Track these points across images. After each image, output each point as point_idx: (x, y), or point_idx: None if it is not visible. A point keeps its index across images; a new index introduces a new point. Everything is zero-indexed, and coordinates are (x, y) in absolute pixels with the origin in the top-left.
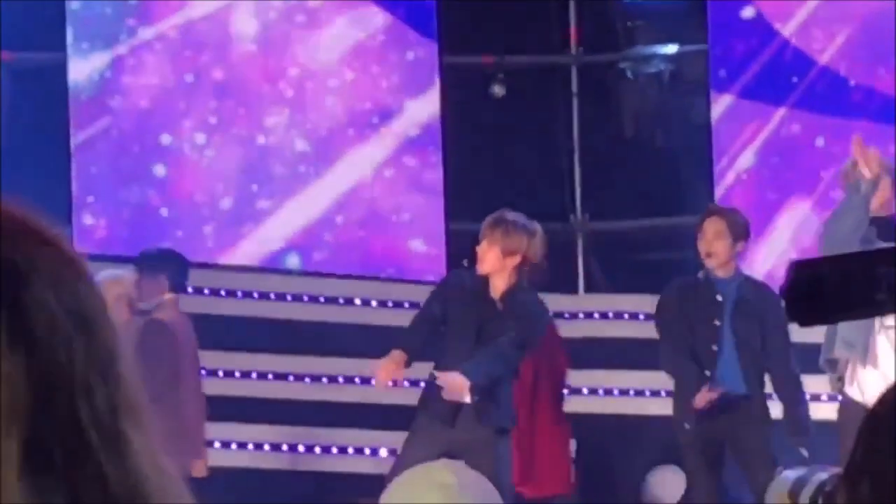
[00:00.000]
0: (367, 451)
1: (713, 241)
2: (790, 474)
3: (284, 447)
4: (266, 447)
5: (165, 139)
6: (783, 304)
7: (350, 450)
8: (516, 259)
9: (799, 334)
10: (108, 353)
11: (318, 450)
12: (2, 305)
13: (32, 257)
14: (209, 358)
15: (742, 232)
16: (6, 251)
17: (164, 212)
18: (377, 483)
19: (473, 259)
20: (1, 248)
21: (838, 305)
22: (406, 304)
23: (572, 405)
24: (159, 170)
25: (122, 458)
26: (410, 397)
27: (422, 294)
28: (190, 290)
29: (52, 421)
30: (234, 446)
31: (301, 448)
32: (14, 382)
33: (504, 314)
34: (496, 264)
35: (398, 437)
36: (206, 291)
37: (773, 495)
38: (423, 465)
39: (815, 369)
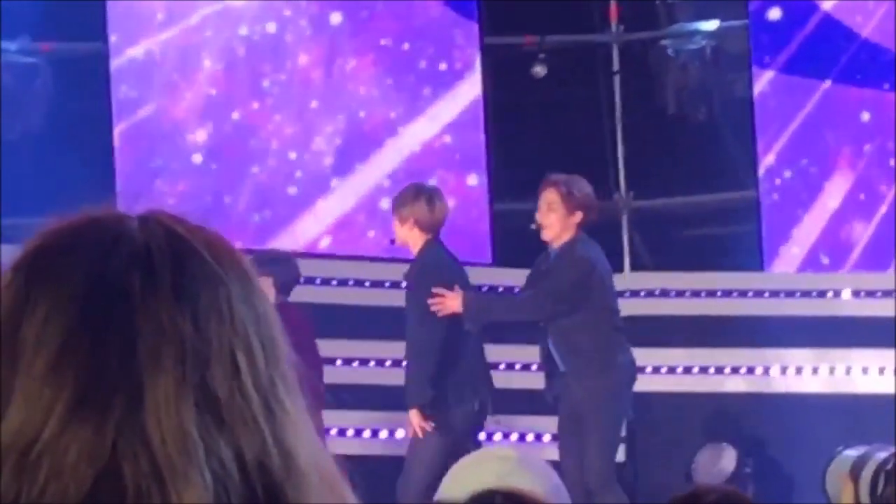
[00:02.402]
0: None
1: (546, 213)
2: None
3: (350, 432)
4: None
5: (206, 128)
6: None
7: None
8: None
9: (867, 309)
10: (266, 321)
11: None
12: (167, 262)
13: (192, 233)
14: None
15: (578, 203)
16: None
17: (207, 199)
18: None
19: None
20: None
21: None
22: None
23: None
24: (199, 159)
25: (280, 425)
26: None
27: (469, 275)
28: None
29: (216, 369)
30: None
31: (367, 433)
32: (184, 334)
33: None
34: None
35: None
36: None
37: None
38: None
39: (884, 343)
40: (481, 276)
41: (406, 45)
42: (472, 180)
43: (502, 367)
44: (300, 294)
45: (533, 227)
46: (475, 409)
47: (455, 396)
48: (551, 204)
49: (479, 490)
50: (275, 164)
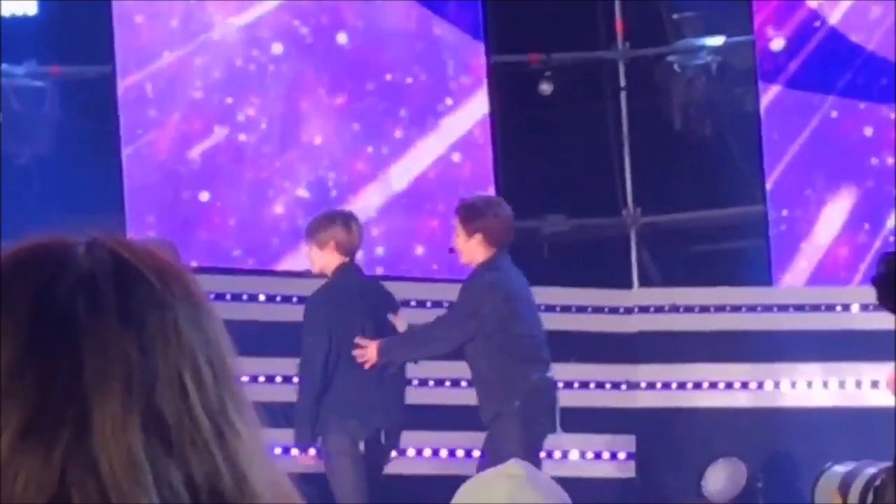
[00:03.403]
0: (460, 454)
1: (455, 240)
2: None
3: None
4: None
5: (213, 149)
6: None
7: (443, 452)
8: None
9: (877, 322)
10: (216, 344)
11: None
12: (111, 287)
13: (138, 257)
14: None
15: (476, 226)
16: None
17: (216, 219)
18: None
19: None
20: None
21: None
22: None
23: (633, 399)
24: (211, 178)
25: (231, 446)
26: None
27: None
28: (262, 297)
29: (164, 393)
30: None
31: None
32: (130, 358)
33: None
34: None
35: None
36: (261, 297)
37: (822, 490)
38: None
39: (893, 356)
40: None
41: (413, 65)
42: None
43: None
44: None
45: (449, 250)
46: (383, 432)
47: (363, 418)
48: (455, 228)
49: None
50: (281, 186)
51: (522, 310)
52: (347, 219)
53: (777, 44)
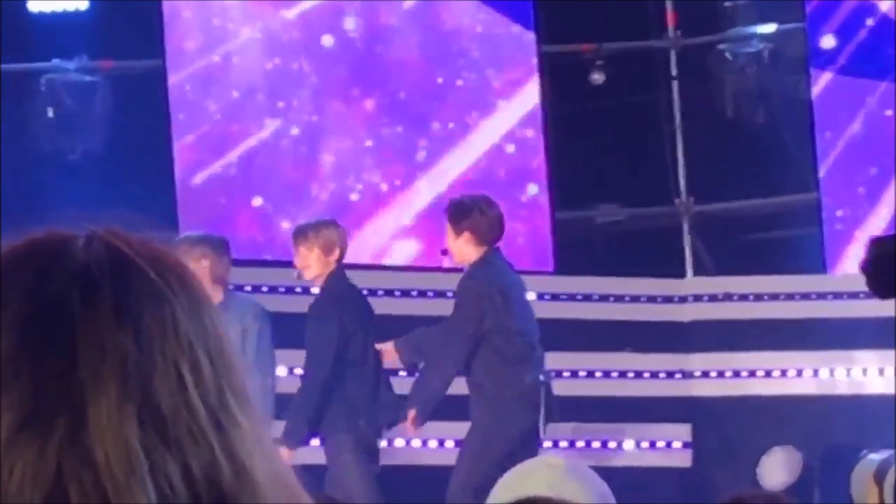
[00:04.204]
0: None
1: (446, 241)
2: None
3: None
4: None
5: (266, 141)
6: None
7: None
8: None
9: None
10: (215, 336)
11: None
12: (107, 281)
13: (136, 251)
14: None
15: (458, 222)
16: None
17: (268, 209)
18: None
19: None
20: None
21: None
22: None
23: (688, 388)
24: (261, 170)
25: (231, 438)
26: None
27: (530, 284)
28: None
29: (160, 386)
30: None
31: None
32: (126, 351)
33: None
34: None
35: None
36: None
37: (858, 478)
38: None
39: (883, 344)
40: (544, 284)
41: (464, 56)
42: (533, 189)
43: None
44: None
45: (441, 252)
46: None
47: (370, 418)
48: (446, 229)
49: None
50: (335, 176)
51: (517, 309)
52: (335, 223)
53: (828, 37)
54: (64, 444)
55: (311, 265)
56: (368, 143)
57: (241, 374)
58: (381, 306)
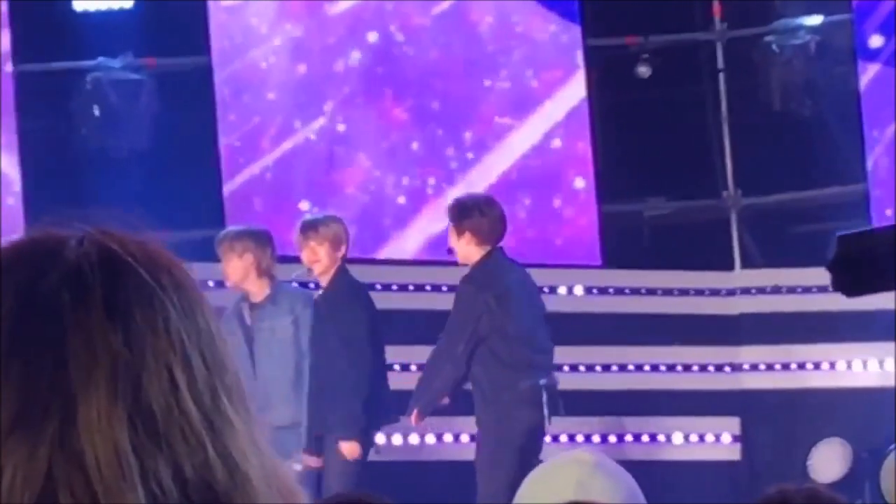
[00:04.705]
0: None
1: (450, 240)
2: None
3: (465, 438)
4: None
5: (311, 135)
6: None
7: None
8: None
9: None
10: (208, 335)
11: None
12: (98, 280)
13: (129, 251)
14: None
15: (460, 222)
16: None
17: (315, 209)
18: None
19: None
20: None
21: (882, 276)
22: (562, 290)
23: (737, 381)
24: (309, 167)
25: (224, 438)
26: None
27: (577, 278)
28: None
29: (152, 385)
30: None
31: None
32: (116, 351)
33: None
34: None
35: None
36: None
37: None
38: None
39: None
40: (591, 278)
41: (510, 51)
42: (580, 183)
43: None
44: (411, 301)
45: (448, 251)
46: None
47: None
48: (449, 228)
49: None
50: (381, 172)
51: (516, 310)
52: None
53: (875, 29)
54: (54, 445)
55: (321, 259)
56: (415, 145)
57: (235, 374)
58: (425, 301)
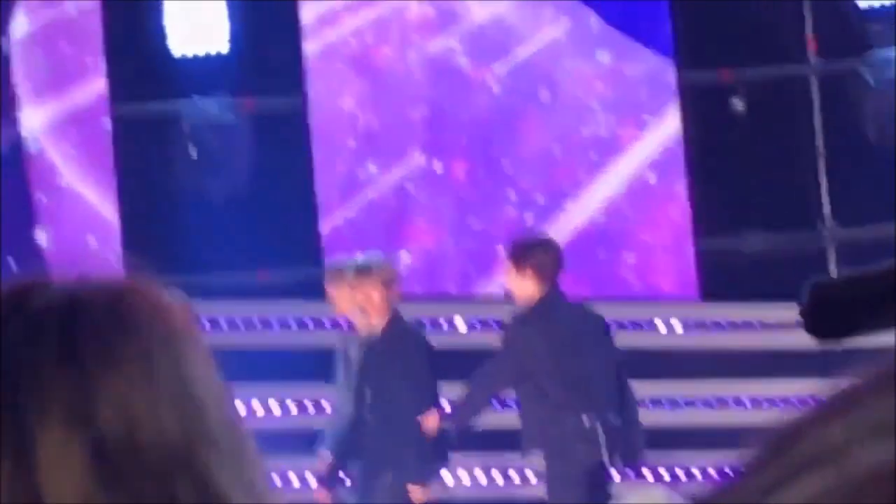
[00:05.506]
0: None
1: (507, 280)
2: None
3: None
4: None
5: (406, 171)
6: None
7: None
8: None
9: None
10: (183, 376)
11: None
12: (54, 325)
13: (95, 295)
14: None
15: (522, 260)
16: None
17: (406, 257)
18: None
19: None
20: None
21: (855, 323)
22: (654, 325)
23: None
24: (408, 207)
25: (203, 475)
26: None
27: (674, 313)
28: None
29: (111, 425)
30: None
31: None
32: (68, 389)
33: None
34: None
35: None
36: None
37: None
38: None
39: None
40: (689, 312)
41: (605, 87)
42: (676, 216)
43: None
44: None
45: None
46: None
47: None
48: (507, 268)
49: None
50: (481, 214)
51: (569, 352)
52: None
53: None
54: (12, 484)
55: (375, 302)
56: (511, 193)
57: (213, 413)
58: None
